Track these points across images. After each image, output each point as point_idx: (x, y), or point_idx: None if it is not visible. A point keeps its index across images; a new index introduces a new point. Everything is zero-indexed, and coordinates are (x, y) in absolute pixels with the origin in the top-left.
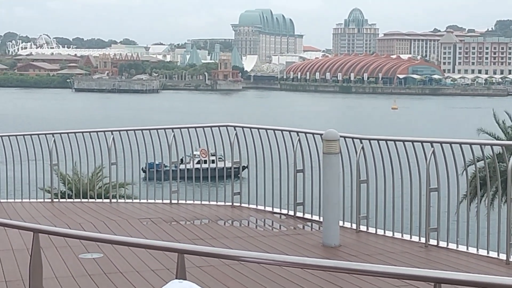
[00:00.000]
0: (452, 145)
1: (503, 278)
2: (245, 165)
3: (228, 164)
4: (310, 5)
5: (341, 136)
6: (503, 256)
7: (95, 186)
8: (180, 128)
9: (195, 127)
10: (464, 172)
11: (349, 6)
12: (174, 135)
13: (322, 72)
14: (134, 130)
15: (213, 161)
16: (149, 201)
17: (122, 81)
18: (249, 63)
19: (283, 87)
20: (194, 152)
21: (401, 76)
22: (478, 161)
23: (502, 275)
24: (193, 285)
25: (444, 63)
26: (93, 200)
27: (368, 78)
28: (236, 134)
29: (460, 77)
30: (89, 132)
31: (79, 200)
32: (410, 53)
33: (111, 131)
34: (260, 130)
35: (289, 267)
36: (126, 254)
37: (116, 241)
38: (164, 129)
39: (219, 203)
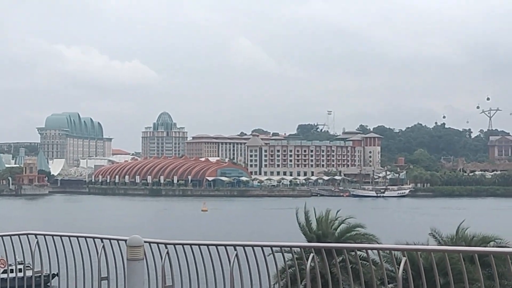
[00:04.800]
0: (254, 248)
1: None
2: (55, 273)
3: (37, 273)
4: (118, 108)
5: (145, 242)
6: None
7: None
8: None
9: None
10: (274, 274)
11: (158, 110)
12: None
13: (131, 175)
14: None
15: (13, 270)
16: None
17: None
18: (56, 167)
19: (91, 191)
20: None
21: (210, 179)
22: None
23: None
24: None
25: (251, 165)
26: None
27: (178, 180)
28: (37, 242)
29: (266, 179)
30: None
31: None
32: (218, 156)
33: None
34: (62, 237)
35: None
36: None
37: None
38: None
39: None
